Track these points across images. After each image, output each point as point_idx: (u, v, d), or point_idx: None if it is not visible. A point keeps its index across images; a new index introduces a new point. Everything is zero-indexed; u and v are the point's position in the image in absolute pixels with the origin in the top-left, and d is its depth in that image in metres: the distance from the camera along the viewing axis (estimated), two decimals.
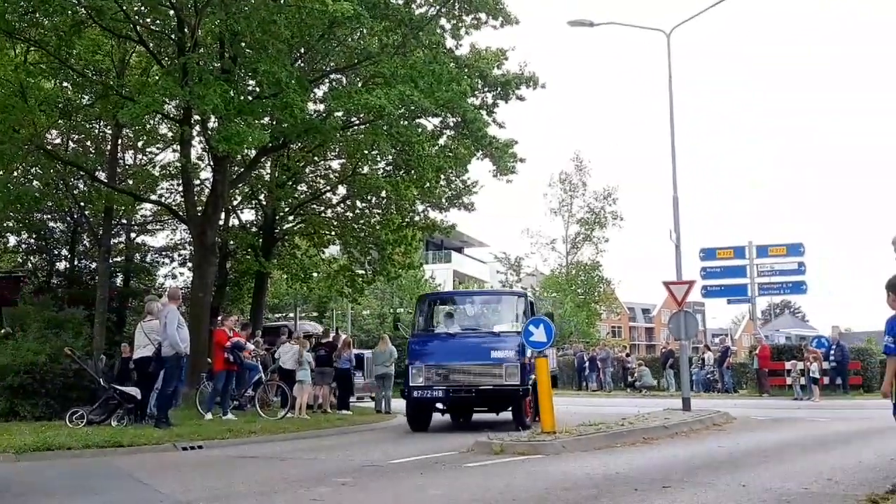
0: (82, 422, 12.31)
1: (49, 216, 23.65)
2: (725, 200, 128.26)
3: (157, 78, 16.67)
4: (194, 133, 17.34)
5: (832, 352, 23.06)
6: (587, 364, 30.34)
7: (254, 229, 23.26)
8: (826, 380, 22.46)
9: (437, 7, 16.28)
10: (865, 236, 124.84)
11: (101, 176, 20.08)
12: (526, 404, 12.84)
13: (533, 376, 12.32)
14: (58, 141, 21.05)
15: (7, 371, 16.28)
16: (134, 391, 12.75)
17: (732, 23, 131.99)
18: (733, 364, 26.79)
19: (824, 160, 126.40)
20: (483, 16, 16.72)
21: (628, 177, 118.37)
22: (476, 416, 14.88)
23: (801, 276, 26.10)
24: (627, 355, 32.50)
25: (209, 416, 13.58)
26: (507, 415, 13.59)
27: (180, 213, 19.80)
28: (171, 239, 25.82)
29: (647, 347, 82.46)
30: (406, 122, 17.60)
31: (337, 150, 21.50)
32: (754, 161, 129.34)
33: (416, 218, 22.60)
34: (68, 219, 23.52)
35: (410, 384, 12.92)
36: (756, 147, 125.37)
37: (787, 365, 22.89)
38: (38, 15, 14.87)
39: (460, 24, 17.11)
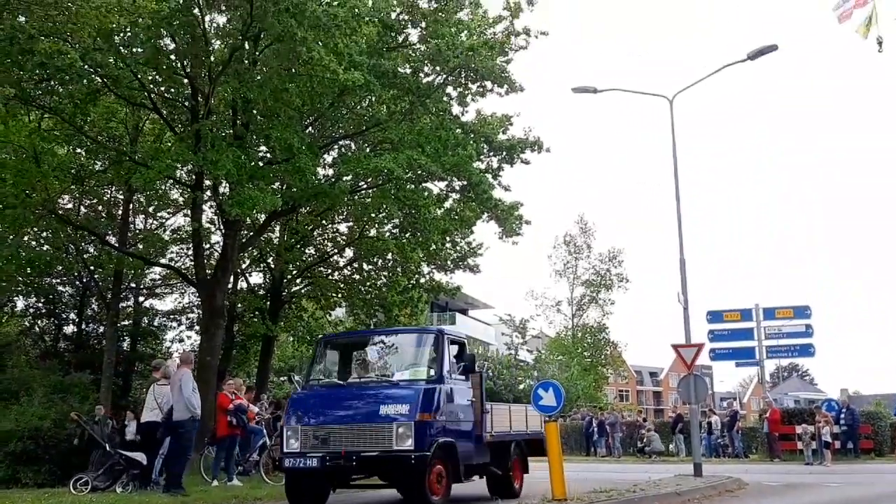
0: (86, 488, 12.19)
1: (58, 280, 23.78)
2: (731, 261, 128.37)
3: (169, 144, 16.98)
4: (205, 198, 17.57)
5: (842, 415, 22.82)
6: (595, 429, 29.97)
7: (262, 292, 23.33)
8: (837, 444, 22.16)
9: (444, 76, 16.66)
10: (871, 299, 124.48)
11: (112, 240, 20.27)
12: (431, 477, 9.99)
13: (443, 439, 10.21)
14: (69, 205, 21.31)
15: (11, 437, 16.20)
16: (139, 456, 12.65)
17: (734, 86, 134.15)
18: (743, 428, 26.47)
19: (829, 220, 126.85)
20: (489, 84, 17.09)
21: (633, 239, 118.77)
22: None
23: (809, 338, 25.97)
24: (644, 420, 32.12)
25: (215, 482, 13.40)
26: (468, 487, 11.56)
27: (190, 277, 19.91)
28: (179, 302, 25.89)
29: (656, 412, 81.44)
30: (413, 186, 17.85)
31: (345, 213, 21.72)
32: (759, 222, 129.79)
33: (422, 280, 22.68)
34: (77, 283, 23.64)
35: (284, 450, 10.58)
36: (761, 207, 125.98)
37: (798, 429, 22.61)
38: (54, 83, 15.23)
39: (466, 92, 17.49)
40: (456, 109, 17.80)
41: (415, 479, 9.94)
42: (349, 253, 22.94)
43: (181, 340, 26.04)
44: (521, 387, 40.63)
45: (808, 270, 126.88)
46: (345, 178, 17.61)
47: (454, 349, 11.48)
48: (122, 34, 13.81)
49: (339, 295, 23.53)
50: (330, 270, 23.52)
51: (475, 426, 11.31)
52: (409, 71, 16.52)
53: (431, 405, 10.28)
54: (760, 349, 25.79)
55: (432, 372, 10.72)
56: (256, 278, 24.72)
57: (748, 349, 26.05)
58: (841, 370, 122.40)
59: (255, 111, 15.81)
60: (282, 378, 33.92)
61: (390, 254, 21.22)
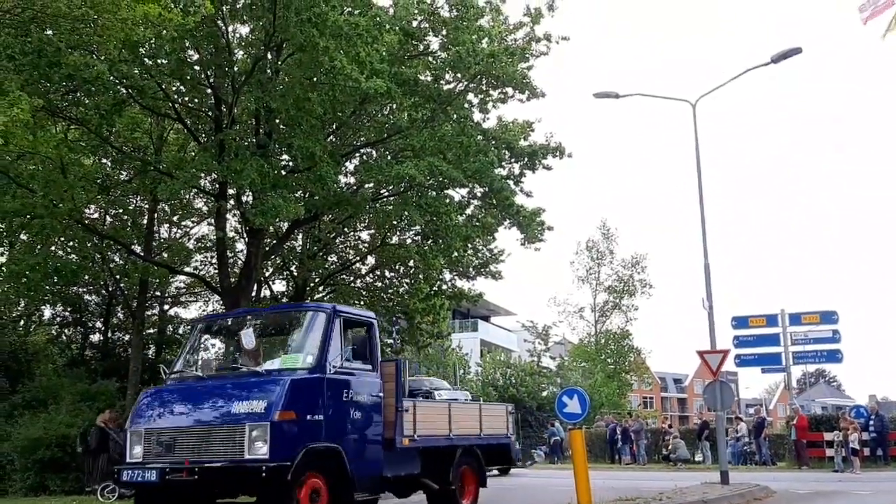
0: (114, 496, 12.29)
1: (85, 289, 24.03)
2: (756, 266, 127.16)
3: (193, 154, 17.13)
4: (229, 206, 17.71)
5: (871, 422, 22.48)
6: (619, 436, 29.75)
7: (285, 300, 23.45)
8: (866, 451, 21.84)
9: (465, 83, 16.68)
10: None
11: (138, 249, 20.46)
12: (302, 494, 8.10)
13: (321, 445, 8.37)
14: (95, 215, 21.53)
15: (39, 444, 16.38)
16: None
17: (758, 89, 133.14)
18: (770, 435, 26.17)
19: (856, 223, 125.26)
20: (510, 90, 17.10)
21: (657, 244, 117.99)
22: None
23: (836, 344, 25.63)
24: (670, 426, 31.85)
25: None
26: None
27: (214, 285, 20.05)
28: (204, 310, 26.06)
29: (680, 419, 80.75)
30: (434, 193, 17.88)
31: (366, 220, 21.79)
32: (785, 225, 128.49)
33: (444, 287, 22.68)
34: (103, 291, 23.88)
35: (127, 459, 8.79)
36: (786, 211, 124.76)
37: (828, 436, 22.30)
38: (80, 94, 15.42)
39: (487, 99, 17.51)
40: (477, 116, 17.84)
41: (271, 499, 7.91)
42: (371, 260, 23.00)
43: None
44: (544, 394, 40.44)
45: (834, 275, 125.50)
46: (366, 186, 17.68)
47: (356, 332, 9.71)
48: (147, 45, 13.96)
49: (362, 302, 23.57)
50: (352, 278, 23.59)
51: (385, 428, 9.54)
52: (430, 78, 16.57)
53: (300, 401, 8.35)
54: (787, 355, 25.50)
55: (310, 359, 8.75)
56: (279, 286, 24.85)
57: (774, 355, 25.76)
58: (869, 376, 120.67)
59: (277, 120, 15.92)
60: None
61: (412, 261, 21.24)
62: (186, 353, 10.02)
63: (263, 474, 7.78)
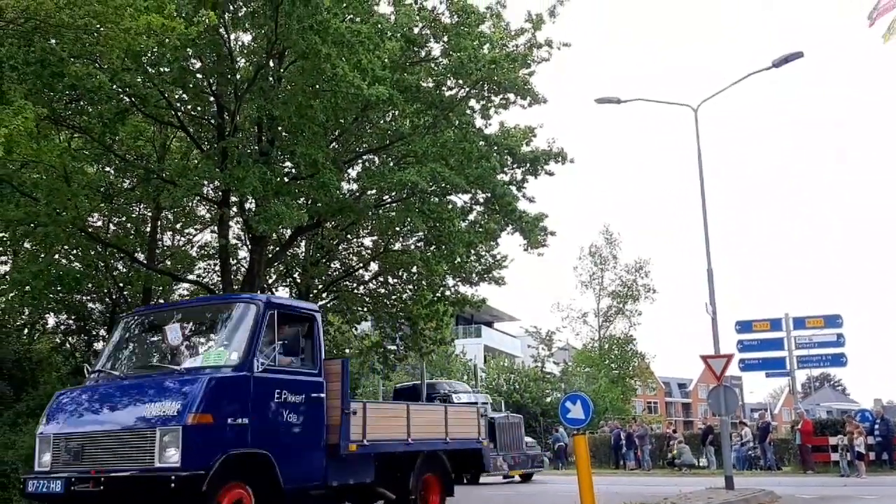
0: None
1: (88, 297, 24.07)
2: (759, 270, 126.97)
3: (196, 162, 17.17)
4: (232, 214, 17.74)
5: (876, 426, 22.42)
6: (624, 441, 29.69)
7: None
8: (871, 455, 21.77)
9: (467, 89, 16.70)
10: None
11: (141, 257, 20.50)
12: None
13: (245, 451, 7.75)
14: (99, 223, 21.59)
15: None
16: None
17: (759, 93, 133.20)
18: (775, 440, 26.11)
19: (860, 227, 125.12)
20: (511, 96, 17.12)
21: (660, 249, 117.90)
22: None
23: (841, 348, 25.59)
24: (674, 431, 31.79)
25: None
26: None
27: (217, 293, 20.07)
28: None
29: (685, 423, 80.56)
30: (437, 199, 17.89)
31: (369, 227, 21.82)
32: (788, 229, 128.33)
33: (447, 293, 22.68)
34: (107, 299, 23.92)
35: (35, 467, 8.21)
36: (790, 215, 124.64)
37: (833, 440, 22.25)
38: (83, 103, 15.49)
39: (489, 105, 17.53)
40: (479, 122, 17.85)
41: None
42: (374, 267, 23.01)
43: None
44: (549, 399, 40.38)
45: (839, 278, 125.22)
46: (369, 193, 17.70)
47: (296, 327, 8.95)
48: (149, 54, 14.02)
49: (365, 309, 23.59)
50: (355, 284, 23.60)
51: (329, 432, 8.82)
52: (431, 85, 16.60)
53: (221, 402, 7.66)
54: (791, 359, 25.45)
55: (235, 356, 8.05)
56: (283, 293, 24.87)
57: (778, 359, 25.72)
58: (874, 380, 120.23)
59: (280, 128, 15.96)
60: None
61: (415, 267, 21.25)
62: (109, 351, 9.17)
63: (173, 484, 7.06)
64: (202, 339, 8.86)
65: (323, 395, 8.86)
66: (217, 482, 7.39)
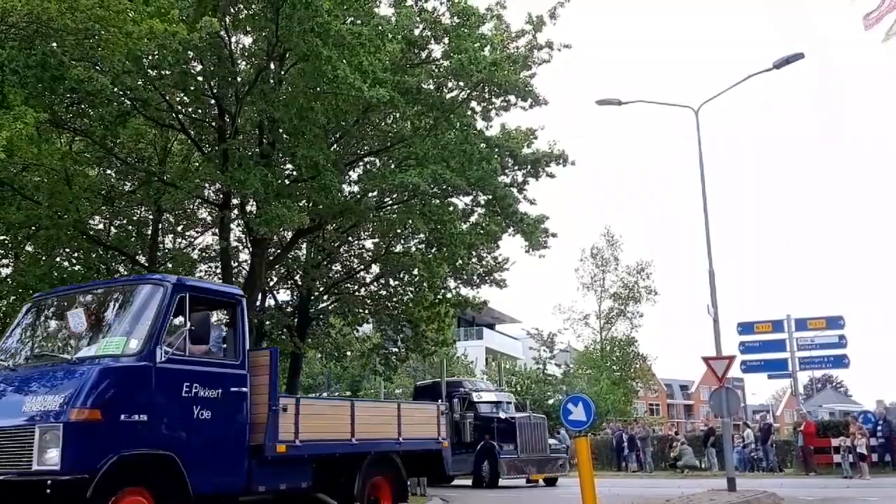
0: None
1: None
2: (761, 272, 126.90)
3: (197, 164, 17.18)
4: (233, 216, 17.75)
5: (879, 427, 22.38)
6: (626, 443, 29.66)
7: (289, 309, 23.47)
8: (874, 457, 21.73)
9: (468, 91, 16.72)
10: None
11: (142, 260, 20.50)
12: None
13: (143, 451, 6.92)
14: (100, 226, 21.61)
15: None
16: None
17: (761, 95, 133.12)
18: (777, 441, 26.08)
19: (861, 228, 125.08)
20: (512, 98, 17.12)
21: (661, 250, 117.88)
22: None
23: (843, 349, 25.53)
24: (676, 433, 31.77)
25: None
26: None
27: None
28: None
29: (687, 425, 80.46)
30: (438, 201, 17.91)
31: (370, 229, 21.83)
32: (789, 231, 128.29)
33: (449, 295, 22.69)
34: None
35: None
36: (791, 216, 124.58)
37: (835, 442, 22.21)
38: (84, 106, 15.51)
39: (490, 107, 17.54)
40: (480, 124, 17.86)
41: None
42: (375, 269, 23.03)
43: None
44: (550, 402, 40.35)
45: (840, 280, 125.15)
46: (370, 195, 17.72)
47: (214, 314, 8.37)
48: (150, 57, 14.04)
49: (367, 311, 23.61)
50: (357, 287, 23.62)
51: (253, 431, 7.96)
52: (432, 86, 16.61)
53: (113, 396, 6.80)
54: (793, 361, 25.41)
55: (135, 344, 7.19)
56: (284, 296, 24.89)
57: (780, 361, 25.67)
58: (876, 381, 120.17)
59: (281, 130, 15.97)
60: (310, 395, 34.11)
61: (416, 269, 21.27)
62: (7, 340, 8.27)
63: (48, 490, 6.24)
64: (105, 326, 7.85)
65: (245, 389, 7.91)
66: (107, 487, 6.49)
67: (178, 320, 7.66)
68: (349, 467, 9.06)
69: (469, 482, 20.03)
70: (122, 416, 6.83)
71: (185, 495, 7.03)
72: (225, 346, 8.41)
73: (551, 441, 21.95)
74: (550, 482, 21.14)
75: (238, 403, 7.89)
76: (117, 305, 8.02)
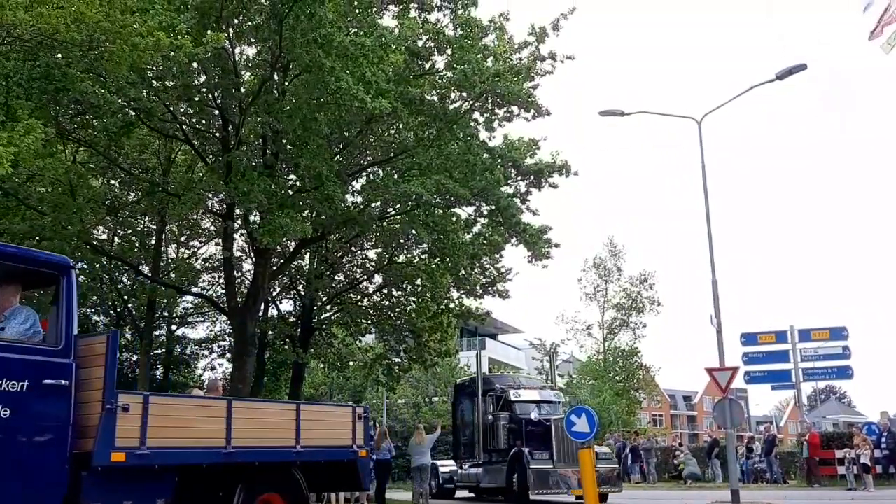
0: None
1: (93, 309, 24.13)
2: (764, 283, 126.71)
3: (201, 175, 17.23)
4: (236, 227, 17.78)
5: (883, 439, 22.29)
6: (629, 454, 29.56)
7: (292, 319, 23.47)
8: (878, 468, 21.64)
9: (471, 102, 16.76)
10: None
11: (145, 270, 20.55)
12: None
13: None
14: (104, 236, 21.68)
15: None
16: None
17: (763, 105, 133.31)
18: (781, 453, 25.98)
19: (865, 238, 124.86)
20: (515, 109, 17.13)
21: (664, 261, 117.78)
22: None
23: (847, 360, 25.46)
24: (680, 444, 31.65)
25: None
26: None
27: (221, 305, 20.10)
28: (211, 331, 26.14)
29: (690, 436, 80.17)
30: (441, 211, 17.92)
31: (373, 239, 21.85)
32: (793, 242, 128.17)
33: (451, 305, 22.67)
34: (111, 312, 23.97)
35: None
36: (794, 227, 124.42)
37: (840, 453, 22.11)
38: (89, 117, 15.56)
39: (493, 117, 17.54)
40: (483, 134, 17.88)
41: None
42: (378, 279, 23.03)
43: (213, 368, 26.29)
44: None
45: (844, 290, 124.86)
46: (374, 205, 17.74)
47: (26, 288, 6.97)
48: (154, 69, 14.10)
49: (369, 321, 23.59)
50: (359, 297, 23.61)
51: (80, 435, 6.49)
52: (436, 97, 16.64)
53: None
54: (796, 372, 25.35)
55: None
56: (287, 306, 24.91)
57: (784, 372, 25.61)
58: (880, 392, 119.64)
59: (284, 140, 16.02)
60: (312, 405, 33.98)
61: (419, 279, 21.26)
62: None
63: None
64: None
65: (66, 382, 6.45)
66: None
67: None
68: (230, 480, 7.58)
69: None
70: None
71: None
72: (36, 329, 6.62)
73: (601, 449, 18.64)
74: (601, 498, 17.42)
75: (57, 400, 6.32)
76: None
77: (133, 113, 15.22)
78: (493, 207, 18.34)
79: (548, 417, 17.96)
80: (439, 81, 16.79)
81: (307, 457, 8.19)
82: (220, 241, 19.62)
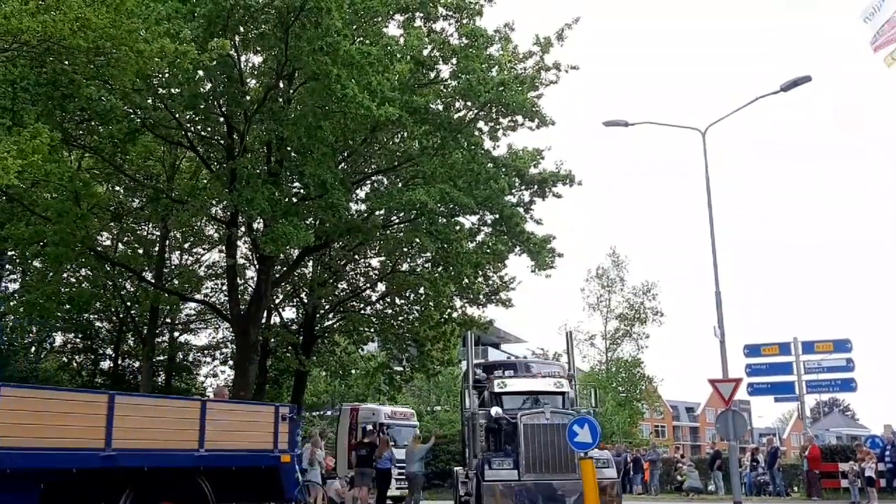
0: None
1: (96, 316, 24.16)
2: (768, 294, 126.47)
3: (205, 182, 17.27)
4: (240, 234, 17.80)
5: (887, 452, 22.17)
6: (631, 466, 29.43)
7: (295, 327, 23.46)
8: (882, 482, 21.51)
9: (476, 111, 16.79)
10: None
11: (149, 276, 20.56)
12: None
13: None
14: (108, 243, 21.71)
15: None
16: None
17: (768, 117, 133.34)
18: (783, 465, 25.85)
19: (869, 251, 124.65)
20: (519, 118, 17.17)
21: (668, 272, 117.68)
22: None
23: (850, 373, 25.33)
24: (682, 456, 31.50)
25: None
26: None
27: (224, 312, 20.09)
28: (214, 337, 26.13)
29: (693, 448, 79.90)
30: (445, 220, 17.92)
31: (377, 248, 21.85)
32: (797, 253, 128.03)
33: (454, 314, 22.64)
34: (114, 318, 23.98)
35: None
36: (798, 238, 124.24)
37: (843, 467, 22.00)
38: (94, 123, 15.61)
39: (497, 127, 17.58)
40: (487, 144, 17.91)
41: None
42: (381, 287, 23.02)
43: (215, 375, 26.26)
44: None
45: (848, 303, 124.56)
46: (377, 213, 17.75)
47: None
48: (160, 76, 14.15)
49: (372, 329, 23.57)
50: (362, 305, 23.60)
51: None
52: (441, 106, 16.68)
53: None
54: (800, 384, 25.23)
55: None
56: (289, 313, 24.90)
57: (787, 384, 25.49)
58: (884, 405, 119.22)
59: (289, 148, 16.05)
60: (314, 413, 33.97)
61: (422, 288, 21.23)
62: None
63: None
64: None
65: None
66: None
67: None
68: (112, 488, 6.49)
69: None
70: None
71: None
72: None
73: (600, 454, 13.62)
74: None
75: None
76: None
77: (138, 120, 15.27)
78: (497, 217, 18.34)
79: (514, 415, 13.92)
80: (444, 90, 16.83)
81: (213, 462, 7.02)
82: (224, 248, 19.63)
